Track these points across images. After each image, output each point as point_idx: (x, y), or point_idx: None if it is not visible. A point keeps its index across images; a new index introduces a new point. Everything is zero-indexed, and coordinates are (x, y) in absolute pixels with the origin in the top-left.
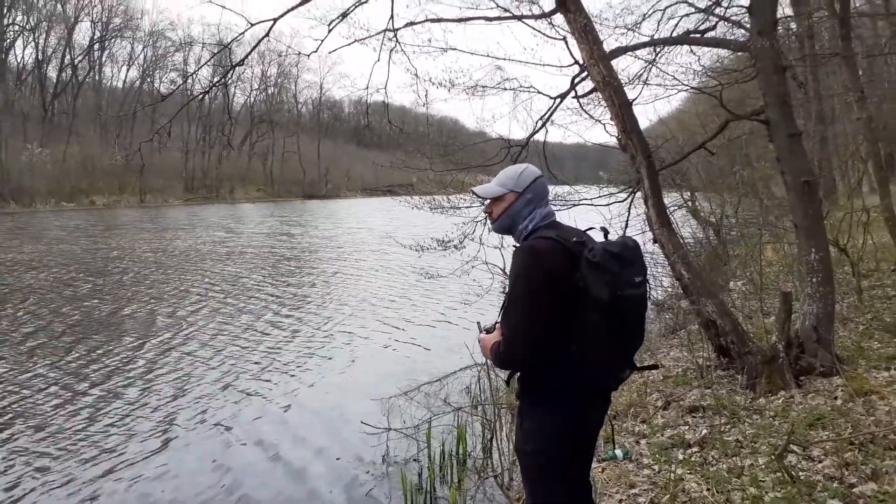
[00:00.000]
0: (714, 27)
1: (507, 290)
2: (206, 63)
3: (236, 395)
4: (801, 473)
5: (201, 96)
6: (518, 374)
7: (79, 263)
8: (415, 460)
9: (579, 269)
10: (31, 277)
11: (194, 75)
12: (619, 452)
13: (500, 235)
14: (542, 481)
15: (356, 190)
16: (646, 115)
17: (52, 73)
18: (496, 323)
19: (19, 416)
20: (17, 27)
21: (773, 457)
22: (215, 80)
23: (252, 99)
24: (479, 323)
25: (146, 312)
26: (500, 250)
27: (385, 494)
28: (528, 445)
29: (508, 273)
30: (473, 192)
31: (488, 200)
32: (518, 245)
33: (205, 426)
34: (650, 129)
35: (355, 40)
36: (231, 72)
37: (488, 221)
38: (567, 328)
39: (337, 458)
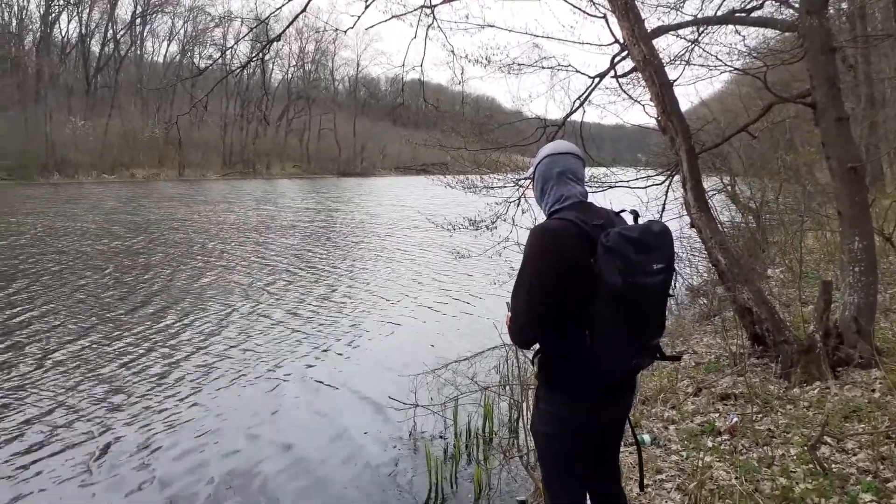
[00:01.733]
0: (761, 6)
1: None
2: (243, 38)
3: (269, 365)
4: (833, 466)
5: (239, 70)
6: (539, 355)
7: (146, 233)
8: (441, 437)
9: (595, 253)
10: (102, 245)
11: (233, 50)
12: (646, 437)
13: (533, 215)
14: (556, 467)
15: (390, 168)
16: (687, 97)
17: (95, 47)
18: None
19: (99, 378)
20: (62, 2)
21: (805, 448)
22: (253, 55)
23: (289, 75)
24: (507, 303)
25: (204, 282)
26: None
27: (410, 469)
28: (544, 428)
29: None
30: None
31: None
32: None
33: (236, 394)
34: (691, 111)
35: (392, 16)
36: (268, 47)
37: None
38: (580, 316)
39: (364, 432)
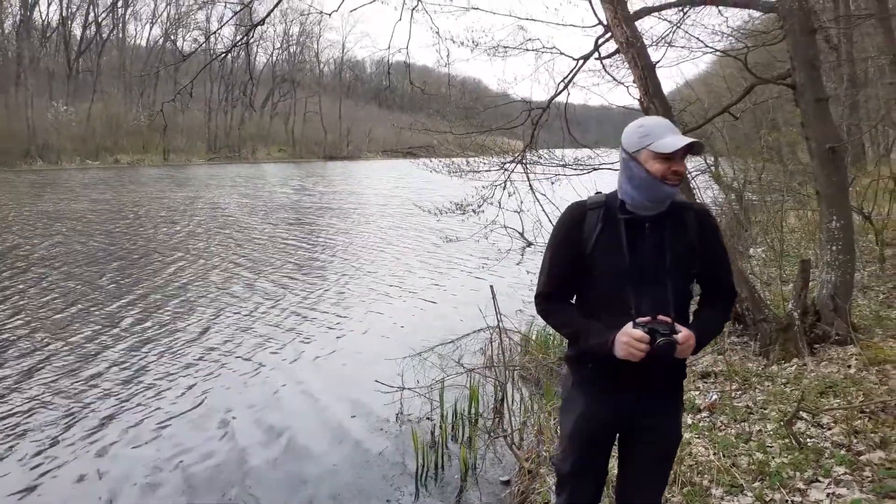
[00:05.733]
0: None
1: (719, 256)
2: (227, 22)
3: (253, 350)
4: (808, 440)
5: (223, 56)
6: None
7: (190, 217)
8: (427, 419)
9: None
10: (146, 230)
11: (217, 34)
12: None
13: (519, 199)
14: None
15: (377, 151)
16: (672, 78)
17: (76, 30)
18: (675, 319)
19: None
20: None
21: (781, 423)
22: (237, 39)
23: (274, 58)
24: (656, 336)
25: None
26: (519, 215)
27: (397, 451)
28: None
29: (709, 238)
30: (692, 142)
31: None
32: (696, 209)
33: (221, 380)
34: (676, 92)
35: None
36: (252, 31)
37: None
38: None
39: (352, 416)
